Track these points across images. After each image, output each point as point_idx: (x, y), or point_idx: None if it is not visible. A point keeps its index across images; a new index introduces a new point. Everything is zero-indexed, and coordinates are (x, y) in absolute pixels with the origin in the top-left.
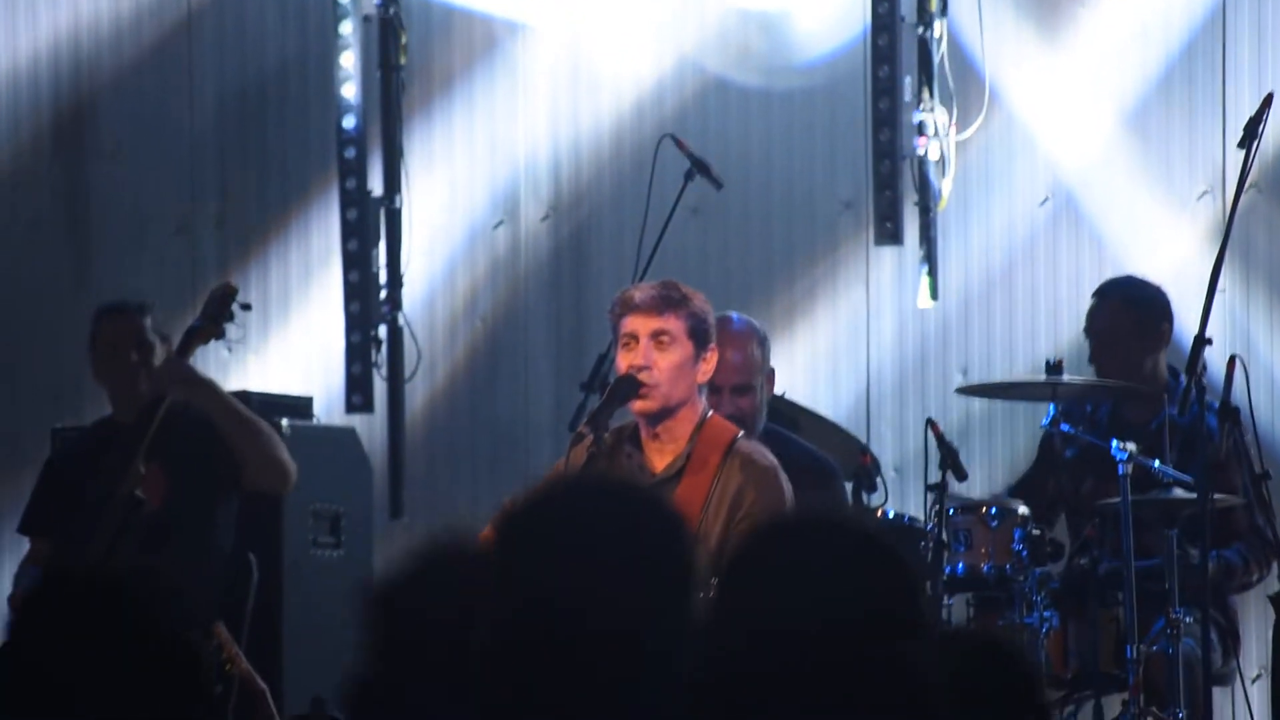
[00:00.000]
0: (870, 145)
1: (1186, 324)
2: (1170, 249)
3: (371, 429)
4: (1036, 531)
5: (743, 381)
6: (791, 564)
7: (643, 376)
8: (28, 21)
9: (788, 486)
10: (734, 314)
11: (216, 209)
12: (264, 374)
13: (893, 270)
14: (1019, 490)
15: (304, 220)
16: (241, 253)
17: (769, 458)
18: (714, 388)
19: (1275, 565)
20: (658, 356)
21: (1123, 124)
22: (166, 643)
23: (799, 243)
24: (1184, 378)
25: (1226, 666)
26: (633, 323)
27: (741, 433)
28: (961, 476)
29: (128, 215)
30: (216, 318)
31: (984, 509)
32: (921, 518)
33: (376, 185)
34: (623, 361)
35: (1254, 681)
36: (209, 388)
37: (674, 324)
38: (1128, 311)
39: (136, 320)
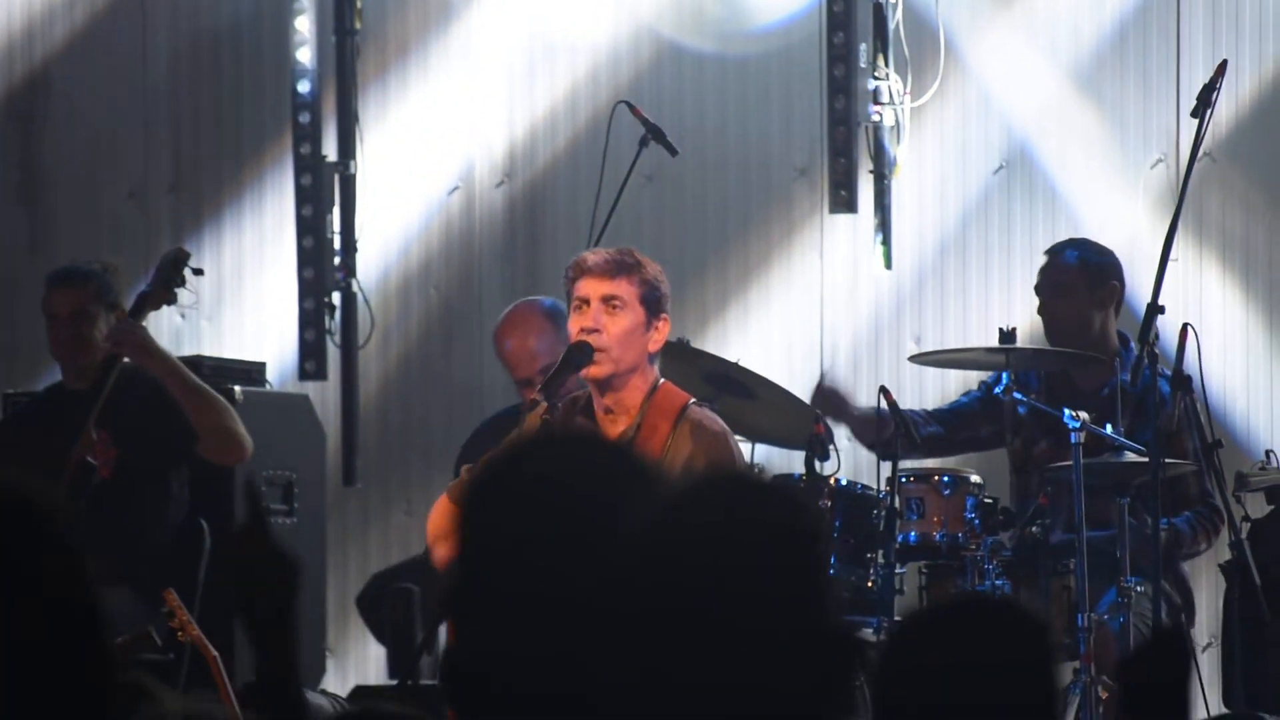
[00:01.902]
0: (825, 112)
1: (1139, 293)
2: (1124, 217)
3: (325, 396)
4: (989, 500)
5: (542, 366)
6: None
7: (591, 339)
8: None
9: (739, 451)
10: (524, 301)
11: (170, 174)
12: (217, 340)
13: (847, 238)
14: (950, 416)
15: (258, 185)
16: (195, 217)
17: (719, 423)
18: (527, 382)
19: (1223, 533)
20: (608, 321)
21: (1077, 92)
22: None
23: (754, 210)
24: (1135, 346)
25: None
26: (585, 286)
27: (692, 400)
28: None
29: (81, 180)
30: (169, 283)
31: (936, 477)
32: (874, 486)
33: (331, 150)
34: (573, 324)
35: (1204, 650)
36: (163, 359)
37: (626, 289)
38: (1077, 265)
39: (81, 290)
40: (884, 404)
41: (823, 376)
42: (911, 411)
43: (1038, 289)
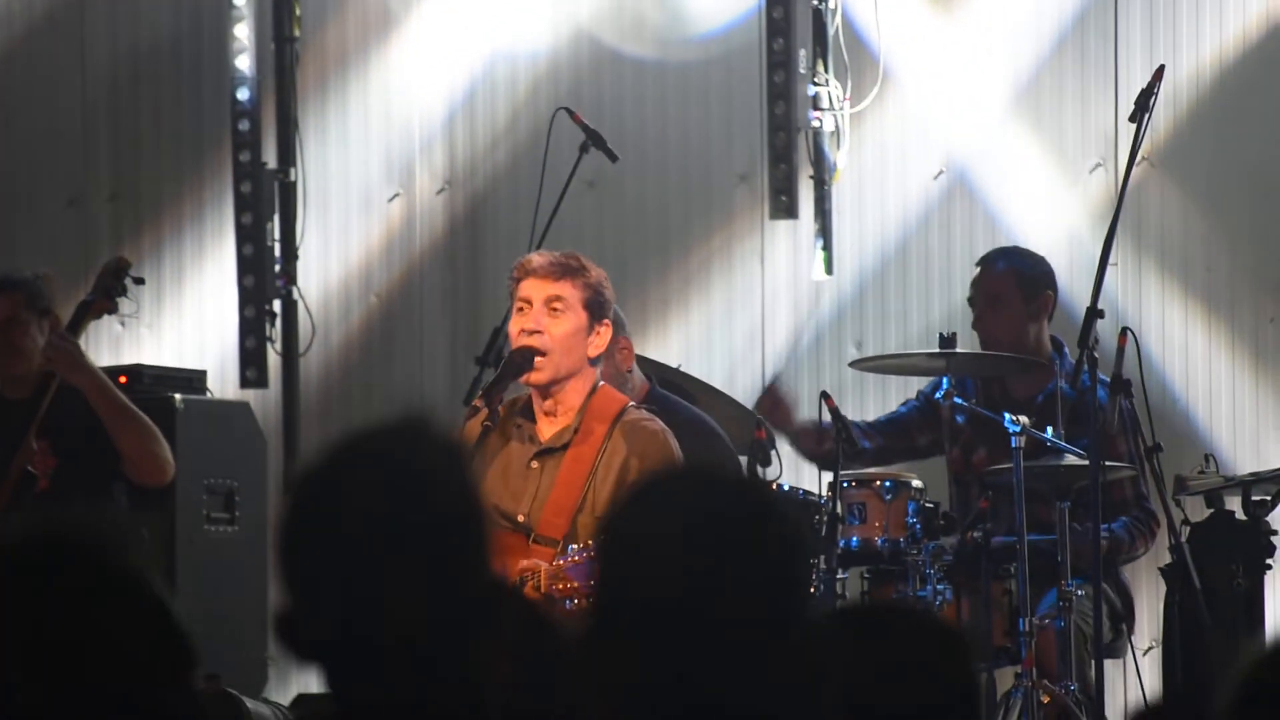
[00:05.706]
0: (765, 118)
1: (1078, 297)
2: (1063, 222)
3: (266, 403)
4: (930, 505)
5: None
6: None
7: (533, 340)
8: None
9: (678, 450)
10: None
11: (109, 182)
12: (157, 348)
13: (788, 244)
14: (888, 427)
15: (198, 193)
16: (134, 226)
17: (657, 423)
18: None
19: (1161, 536)
20: (549, 322)
21: (1016, 97)
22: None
23: (694, 216)
24: (1069, 351)
25: (1118, 639)
26: (528, 287)
27: (631, 402)
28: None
29: (19, 188)
30: (109, 292)
31: (878, 482)
32: (816, 491)
33: (271, 158)
34: (514, 325)
35: (1145, 654)
36: (92, 376)
37: (569, 291)
38: (1012, 275)
39: (11, 298)
40: (825, 409)
41: (774, 379)
42: (852, 424)
43: (971, 301)
